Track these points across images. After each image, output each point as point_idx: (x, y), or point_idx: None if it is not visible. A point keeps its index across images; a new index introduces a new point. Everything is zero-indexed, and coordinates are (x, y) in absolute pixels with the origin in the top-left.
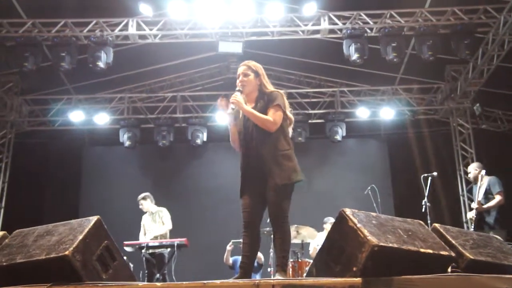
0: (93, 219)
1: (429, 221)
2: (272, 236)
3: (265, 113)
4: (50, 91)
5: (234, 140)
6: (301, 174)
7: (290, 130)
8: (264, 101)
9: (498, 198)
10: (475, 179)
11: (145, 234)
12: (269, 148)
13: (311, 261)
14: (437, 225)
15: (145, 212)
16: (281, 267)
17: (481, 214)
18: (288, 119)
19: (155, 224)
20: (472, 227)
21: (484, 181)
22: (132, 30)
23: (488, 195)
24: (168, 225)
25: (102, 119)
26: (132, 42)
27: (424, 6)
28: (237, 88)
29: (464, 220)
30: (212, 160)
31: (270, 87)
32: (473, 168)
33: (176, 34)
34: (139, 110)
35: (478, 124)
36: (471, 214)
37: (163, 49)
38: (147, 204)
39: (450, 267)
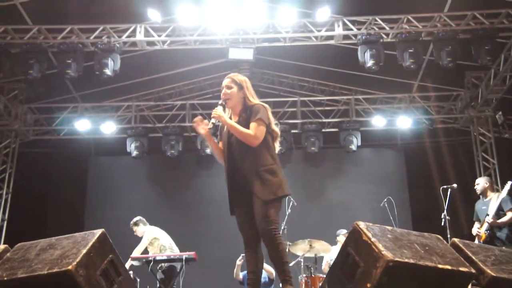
0: (98, 232)
1: (448, 236)
2: (270, 251)
3: (248, 127)
4: (55, 99)
5: (218, 157)
6: (288, 189)
7: (277, 144)
8: (247, 115)
9: (510, 214)
10: (484, 192)
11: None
12: (252, 163)
13: (325, 276)
14: (456, 239)
15: (153, 224)
16: (286, 281)
17: (492, 230)
18: (274, 133)
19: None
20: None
21: (499, 197)
22: (140, 36)
23: (499, 212)
24: (137, 247)
25: (109, 128)
26: (140, 49)
27: (443, 10)
28: (220, 102)
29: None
30: (222, 171)
31: (253, 100)
32: (484, 181)
33: (185, 40)
34: (147, 119)
35: (500, 133)
36: (478, 229)
37: (171, 56)
38: (139, 229)
39: (470, 285)
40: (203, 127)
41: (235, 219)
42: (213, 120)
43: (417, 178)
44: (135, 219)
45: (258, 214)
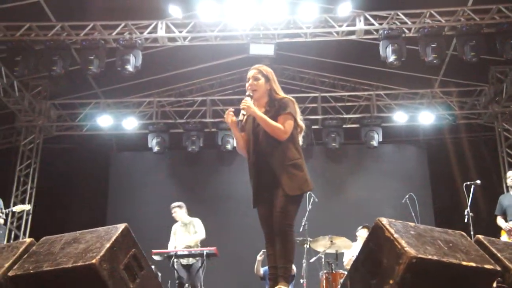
0: (121, 226)
1: (472, 233)
2: (280, 246)
3: (275, 120)
4: (78, 95)
5: (241, 148)
6: (312, 184)
7: (301, 138)
8: (275, 108)
9: None
10: None
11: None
12: (279, 157)
13: (346, 272)
14: (480, 236)
15: (176, 221)
16: (284, 278)
17: None
18: (299, 127)
19: (189, 234)
20: None
21: None
22: (161, 32)
23: None
24: (202, 234)
25: (131, 123)
26: (161, 45)
27: (467, 4)
28: (247, 93)
29: None
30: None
31: (281, 93)
32: None
33: (206, 36)
34: (168, 115)
35: None
36: (509, 225)
37: (192, 51)
38: (181, 213)
39: (495, 282)
40: (232, 117)
41: (257, 213)
42: (243, 112)
43: (439, 174)
44: (179, 203)
45: (278, 206)
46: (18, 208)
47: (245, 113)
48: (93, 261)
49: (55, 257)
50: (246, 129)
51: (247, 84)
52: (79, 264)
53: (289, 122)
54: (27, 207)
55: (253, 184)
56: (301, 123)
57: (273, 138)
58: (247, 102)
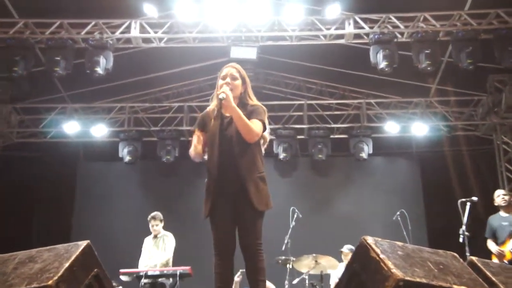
0: (82, 244)
1: (467, 253)
2: (250, 266)
3: None
4: (42, 99)
5: (199, 151)
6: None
7: (263, 150)
8: (246, 112)
9: None
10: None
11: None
12: (248, 165)
13: None
14: (474, 258)
15: (148, 235)
16: None
17: None
18: (264, 138)
19: (157, 250)
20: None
21: None
22: (135, 32)
23: None
24: (169, 253)
25: (100, 131)
26: (134, 46)
27: (464, 8)
28: (221, 90)
29: None
30: None
31: (254, 100)
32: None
33: (184, 37)
34: (141, 122)
35: None
36: (499, 248)
37: (169, 54)
38: (160, 228)
39: None
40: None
41: (211, 223)
42: (221, 96)
43: (433, 189)
44: (160, 215)
45: (247, 226)
46: None
47: (222, 97)
48: (49, 282)
49: (6, 278)
50: (210, 130)
51: (221, 81)
52: (33, 286)
53: (260, 127)
54: None
55: (214, 190)
56: (267, 135)
57: (244, 142)
58: (227, 90)
